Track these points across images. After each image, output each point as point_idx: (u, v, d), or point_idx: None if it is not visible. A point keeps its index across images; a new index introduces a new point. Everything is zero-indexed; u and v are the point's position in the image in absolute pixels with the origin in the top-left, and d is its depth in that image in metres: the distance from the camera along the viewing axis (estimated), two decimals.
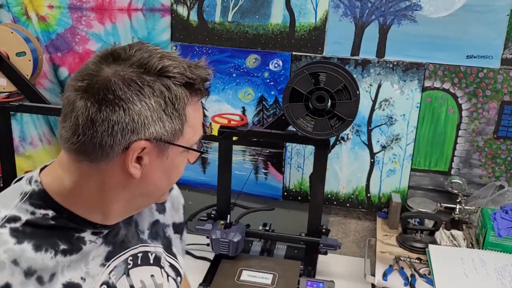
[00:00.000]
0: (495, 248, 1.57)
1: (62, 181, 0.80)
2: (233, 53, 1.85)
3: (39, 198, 0.80)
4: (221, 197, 1.72)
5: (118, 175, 0.78)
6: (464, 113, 1.73)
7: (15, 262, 0.74)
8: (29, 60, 1.71)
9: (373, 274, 1.55)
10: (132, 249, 0.91)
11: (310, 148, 1.87)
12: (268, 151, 1.93)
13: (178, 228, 1.06)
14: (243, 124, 1.68)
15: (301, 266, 1.66)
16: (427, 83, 1.73)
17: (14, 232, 0.76)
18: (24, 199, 0.79)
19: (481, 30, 1.64)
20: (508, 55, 1.64)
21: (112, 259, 0.86)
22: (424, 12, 1.66)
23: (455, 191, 1.76)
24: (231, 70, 1.86)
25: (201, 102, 0.86)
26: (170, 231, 1.03)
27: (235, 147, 1.87)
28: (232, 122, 1.65)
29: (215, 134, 1.84)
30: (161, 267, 0.95)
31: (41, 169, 0.84)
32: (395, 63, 1.73)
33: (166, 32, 1.86)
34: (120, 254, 0.88)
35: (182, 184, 2.03)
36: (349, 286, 1.66)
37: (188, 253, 1.83)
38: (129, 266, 0.89)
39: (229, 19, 1.81)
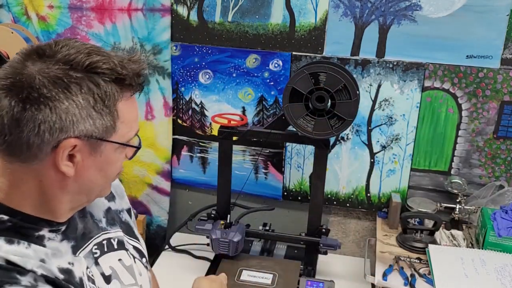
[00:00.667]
0: (495, 248, 1.57)
1: (5, 186, 0.79)
2: (233, 53, 1.85)
3: None
4: (221, 197, 1.72)
5: (52, 174, 0.78)
6: (464, 113, 1.73)
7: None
8: None
9: (373, 274, 1.55)
10: (94, 239, 0.92)
11: (310, 148, 1.87)
12: (268, 151, 1.93)
13: (130, 214, 1.08)
14: (243, 124, 1.68)
15: (301, 266, 1.66)
16: (427, 83, 1.73)
17: None
18: None
19: (481, 30, 1.64)
20: (508, 55, 1.64)
21: (78, 252, 0.87)
22: (424, 12, 1.66)
23: (455, 191, 1.76)
24: (231, 70, 1.87)
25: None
26: (126, 216, 1.05)
27: (235, 147, 1.87)
28: (232, 122, 1.65)
29: (215, 134, 1.84)
30: (126, 250, 0.97)
31: None
32: (395, 63, 1.73)
33: (166, 32, 1.86)
34: (84, 246, 0.89)
35: (182, 184, 2.05)
36: (349, 286, 1.66)
37: (188, 253, 1.83)
38: (96, 255, 0.90)
39: (229, 19, 1.81)
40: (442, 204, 1.77)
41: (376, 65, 1.74)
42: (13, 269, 0.75)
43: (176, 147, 2.01)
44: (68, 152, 0.76)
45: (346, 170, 1.88)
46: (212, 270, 1.64)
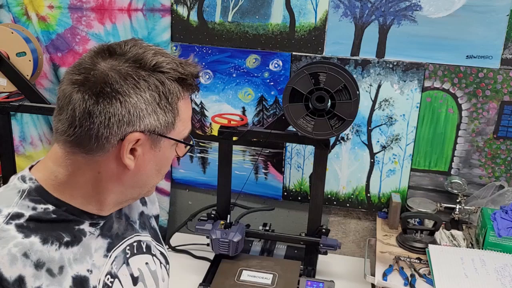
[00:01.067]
0: (495, 248, 1.57)
1: (56, 175, 0.82)
2: (233, 53, 1.85)
3: (37, 194, 0.82)
4: (221, 197, 1.72)
5: (112, 166, 0.81)
6: (464, 113, 1.73)
7: (25, 255, 0.76)
8: (29, 60, 1.71)
9: (373, 274, 1.55)
10: (128, 239, 0.95)
11: (310, 148, 1.87)
12: (268, 151, 1.93)
13: (157, 220, 1.11)
14: (243, 124, 1.68)
15: (301, 266, 1.66)
16: (427, 83, 1.73)
17: (19, 228, 0.78)
18: (23, 196, 0.81)
19: (481, 30, 1.64)
20: (508, 55, 1.64)
21: (113, 250, 0.90)
22: (424, 12, 1.66)
23: (455, 191, 1.76)
24: (231, 70, 1.87)
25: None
26: (154, 222, 1.08)
27: (235, 147, 1.87)
28: (232, 122, 1.65)
29: (215, 134, 1.84)
30: (153, 255, 0.99)
31: (30, 168, 0.86)
32: (395, 63, 1.73)
33: (166, 32, 1.86)
34: (119, 245, 0.92)
35: (182, 184, 2.05)
36: (349, 286, 1.66)
37: (188, 253, 1.83)
38: (128, 256, 0.93)
39: (229, 19, 1.81)
40: (442, 204, 1.77)
41: (376, 65, 1.74)
42: (25, 262, 0.76)
43: None
44: (132, 145, 0.79)
45: (346, 170, 1.88)
46: (212, 270, 1.64)
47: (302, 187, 1.94)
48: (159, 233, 1.08)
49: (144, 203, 1.06)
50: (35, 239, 0.78)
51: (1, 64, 1.68)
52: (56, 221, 0.81)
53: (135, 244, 0.96)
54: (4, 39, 1.69)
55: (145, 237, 1.00)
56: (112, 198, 0.86)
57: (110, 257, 0.88)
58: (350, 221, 1.97)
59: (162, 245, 1.07)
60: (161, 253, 1.04)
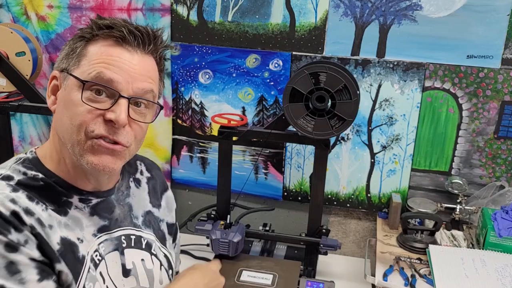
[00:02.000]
0: (495, 248, 1.56)
1: (50, 150, 0.90)
2: (233, 53, 1.84)
3: (31, 163, 0.88)
4: (221, 197, 1.71)
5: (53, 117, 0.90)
6: (464, 113, 1.73)
7: (13, 201, 0.80)
8: (29, 60, 1.71)
9: (373, 275, 1.54)
10: (123, 229, 0.96)
11: (310, 148, 1.86)
12: (268, 151, 1.93)
13: (170, 229, 1.11)
14: (243, 124, 1.68)
15: (301, 266, 1.66)
16: (428, 83, 1.72)
17: (8, 185, 0.83)
18: (18, 162, 0.88)
19: (481, 30, 1.63)
20: (509, 55, 1.64)
21: (105, 232, 0.92)
22: (425, 12, 1.66)
23: (456, 191, 1.76)
24: (231, 70, 1.86)
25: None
26: (164, 227, 1.09)
27: (235, 147, 1.86)
28: (232, 122, 1.64)
29: (215, 134, 1.84)
30: (152, 254, 1.00)
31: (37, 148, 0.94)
32: (395, 63, 1.72)
33: (165, 32, 1.86)
34: (114, 230, 0.94)
35: (182, 184, 2.05)
36: (349, 286, 1.66)
37: (188, 253, 1.83)
38: (124, 245, 0.95)
39: (229, 19, 1.81)
40: (443, 205, 1.77)
41: (377, 65, 1.74)
42: (12, 222, 0.78)
43: (176, 147, 2.01)
44: (51, 83, 0.89)
45: (346, 170, 1.88)
46: None
47: (302, 187, 1.94)
48: (167, 239, 1.08)
49: (156, 205, 1.08)
50: (21, 195, 0.82)
51: (1, 64, 1.68)
52: (43, 189, 0.86)
53: (132, 237, 0.97)
54: (3, 39, 1.69)
55: (148, 235, 1.01)
56: (68, 161, 0.88)
57: (99, 237, 0.90)
58: (350, 221, 1.97)
59: (168, 249, 1.06)
60: (165, 256, 1.04)
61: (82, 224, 0.88)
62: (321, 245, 1.62)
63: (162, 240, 1.06)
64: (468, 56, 1.67)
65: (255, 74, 1.85)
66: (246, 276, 1.57)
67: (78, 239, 0.86)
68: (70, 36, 1.92)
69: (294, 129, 1.53)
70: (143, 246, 0.98)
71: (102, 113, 0.83)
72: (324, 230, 1.65)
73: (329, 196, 1.92)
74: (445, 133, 1.76)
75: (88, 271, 0.85)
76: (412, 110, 1.76)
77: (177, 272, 1.18)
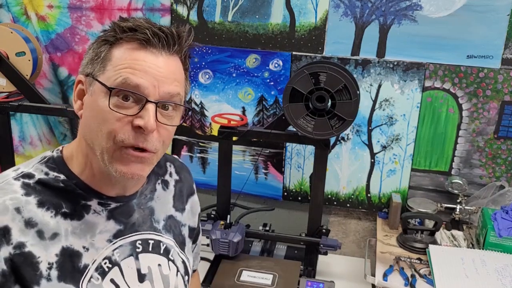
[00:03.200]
0: (495, 248, 1.56)
1: (77, 153, 0.89)
2: (233, 53, 1.84)
3: (55, 163, 0.88)
4: (221, 197, 1.71)
5: (80, 122, 0.89)
6: (464, 113, 1.73)
7: (17, 210, 0.80)
8: (29, 60, 1.71)
9: (373, 275, 1.54)
10: (141, 234, 0.94)
11: (310, 148, 1.86)
12: (268, 151, 1.93)
13: (191, 233, 1.09)
14: (243, 124, 1.68)
15: (301, 267, 1.66)
16: (428, 83, 1.72)
17: (25, 186, 0.84)
18: (42, 161, 0.89)
19: (481, 30, 1.63)
20: (509, 55, 1.64)
21: (120, 238, 0.91)
22: (425, 12, 1.66)
23: (456, 191, 1.76)
24: (231, 70, 1.86)
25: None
26: (185, 232, 1.06)
27: (235, 147, 1.86)
28: (232, 122, 1.64)
29: (215, 134, 1.84)
30: (169, 260, 0.98)
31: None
32: (395, 63, 1.72)
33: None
34: (129, 235, 0.92)
35: None
36: (349, 286, 1.66)
37: None
38: (139, 250, 0.93)
39: (229, 19, 1.81)
40: (443, 205, 1.77)
41: (377, 65, 1.74)
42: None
43: (176, 147, 2.01)
44: (77, 88, 0.87)
45: (346, 170, 1.88)
46: (212, 270, 1.63)
47: (302, 187, 1.94)
48: (186, 244, 1.06)
49: (180, 209, 1.06)
50: (32, 200, 0.82)
51: (1, 64, 1.68)
52: (62, 190, 0.86)
53: (151, 242, 0.95)
54: (3, 39, 1.69)
55: (167, 240, 0.99)
56: (95, 166, 0.87)
57: (114, 243, 0.89)
58: (351, 221, 1.97)
59: (187, 257, 1.05)
60: (183, 262, 1.02)
61: (96, 230, 0.87)
62: (321, 245, 1.62)
63: (182, 245, 1.04)
64: (468, 56, 1.67)
65: (255, 74, 1.85)
66: (246, 276, 1.57)
67: (84, 247, 0.85)
68: (70, 36, 1.92)
69: (294, 129, 1.53)
70: (161, 251, 0.97)
71: (131, 120, 0.82)
72: (324, 230, 1.65)
73: (329, 196, 1.92)
74: (445, 133, 1.76)
75: (90, 280, 0.84)
76: (412, 110, 1.76)
77: (194, 271, 1.18)
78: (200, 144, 1.98)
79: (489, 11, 1.61)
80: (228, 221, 1.68)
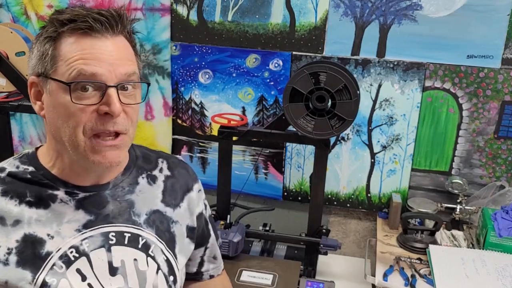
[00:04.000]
0: (495, 248, 1.56)
1: (47, 149, 0.92)
2: (233, 53, 1.84)
3: (28, 157, 0.92)
4: (221, 197, 1.71)
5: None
6: (464, 113, 1.73)
7: None
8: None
9: (373, 275, 1.54)
10: (116, 226, 0.92)
11: (310, 148, 1.86)
12: (268, 151, 1.92)
13: (191, 233, 1.04)
14: (243, 124, 1.68)
15: (301, 267, 1.65)
16: (428, 83, 1.72)
17: None
18: (17, 157, 0.94)
19: (481, 30, 1.63)
20: (509, 55, 1.64)
21: (91, 228, 0.90)
22: (425, 11, 1.66)
23: (456, 191, 1.76)
24: (231, 70, 1.86)
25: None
26: (178, 229, 1.01)
27: (235, 147, 1.86)
28: (232, 122, 1.64)
29: (215, 134, 1.84)
30: (149, 255, 0.95)
31: None
32: (395, 63, 1.72)
33: (166, 31, 1.86)
34: (101, 226, 0.91)
35: None
36: (349, 286, 1.66)
37: None
38: (112, 242, 0.91)
39: (229, 18, 1.81)
40: (443, 205, 1.77)
41: (377, 65, 1.74)
42: None
43: (176, 147, 2.01)
44: (32, 90, 0.88)
45: (346, 170, 1.88)
46: None
47: (302, 187, 1.94)
48: (176, 242, 1.00)
49: (172, 205, 1.01)
50: None
51: (0, 63, 1.68)
52: (29, 182, 0.88)
53: (127, 235, 0.93)
54: (3, 39, 1.69)
55: (148, 235, 0.95)
56: (66, 159, 0.89)
57: (83, 233, 0.88)
58: (351, 221, 1.96)
59: (174, 256, 0.99)
60: (167, 260, 0.97)
61: (63, 219, 0.88)
62: (321, 245, 1.62)
63: (169, 243, 0.98)
64: (468, 56, 1.67)
65: (255, 74, 1.85)
66: (246, 276, 1.57)
67: (48, 235, 0.86)
68: None
69: (294, 129, 1.53)
70: (139, 246, 0.94)
71: (96, 108, 0.82)
72: (324, 230, 1.65)
73: (329, 196, 1.91)
74: (445, 133, 1.76)
75: (52, 268, 0.85)
76: (412, 110, 1.76)
77: (211, 276, 1.14)
78: (200, 144, 1.98)
79: (489, 11, 1.61)
80: (228, 221, 1.68)
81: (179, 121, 1.97)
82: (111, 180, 0.95)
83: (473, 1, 1.61)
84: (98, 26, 0.82)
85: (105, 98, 0.82)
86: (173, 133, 1.99)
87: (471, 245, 1.67)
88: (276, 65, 1.82)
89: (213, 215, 1.70)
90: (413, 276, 1.50)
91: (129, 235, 0.93)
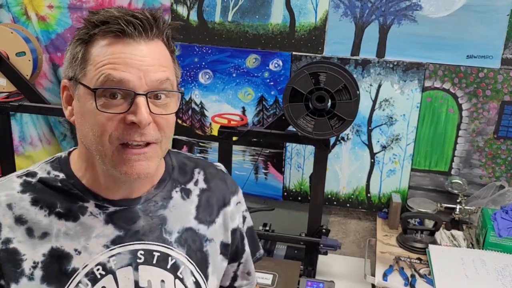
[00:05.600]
0: (495, 248, 1.56)
1: (79, 155, 0.87)
2: (233, 53, 1.84)
3: (60, 163, 0.87)
4: None
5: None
6: (464, 113, 1.73)
7: (9, 206, 0.81)
8: (29, 60, 1.71)
9: (373, 274, 1.54)
10: (146, 244, 0.86)
11: (310, 148, 1.86)
12: (268, 151, 1.93)
13: (225, 250, 0.97)
14: (243, 124, 1.68)
15: (301, 266, 1.66)
16: (427, 83, 1.72)
17: (25, 184, 0.83)
18: (49, 161, 0.88)
19: (481, 30, 1.63)
20: (508, 55, 1.64)
21: (119, 245, 0.84)
22: (424, 12, 1.66)
23: (455, 191, 1.76)
24: (231, 70, 1.86)
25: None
26: (212, 247, 0.94)
27: (235, 147, 1.86)
28: (232, 122, 1.64)
29: (215, 134, 1.84)
30: (177, 277, 0.88)
31: None
32: (395, 63, 1.73)
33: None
34: (130, 243, 0.85)
35: None
36: (349, 286, 1.66)
37: None
38: (140, 261, 0.85)
39: (229, 19, 1.81)
40: (443, 205, 1.77)
41: (376, 65, 1.74)
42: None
43: (176, 147, 2.01)
44: (64, 93, 0.84)
45: (346, 170, 1.88)
46: None
47: (302, 187, 1.94)
48: (209, 262, 0.93)
49: (205, 222, 0.93)
50: (26, 197, 0.82)
51: (1, 64, 1.68)
52: (59, 190, 0.83)
53: (157, 254, 0.86)
54: (3, 39, 1.69)
55: (178, 255, 0.89)
56: (96, 170, 0.83)
57: (111, 249, 0.83)
58: (350, 221, 1.97)
59: (205, 277, 0.92)
60: (196, 282, 0.90)
61: (91, 233, 0.82)
62: (321, 245, 1.62)
63: (201, 263, 0.91)
64: (468, 56, 1.67)
65: (255, 74, 1.85)
66: None
67: (76, 250, 0.81)
68: (70, 36, 1.92)
69: (294, 129, 1.53)
70: (168, 266, 0.87)
71: (123, 117, 0.76)
72: (324, 230, 1.65)
73: (329, 196, 1.92)
74: (445, 133, 1.76)
75: (77, 285, 0.80)
76: (412, 110, 1.76)
77: None
78: (200, 144, 1.98)
79: (489, 11, 1.61)
80: None
81: (179, 121, 1.97)
82: (143, 194, 0.88)
83: (473, 1, 1.61)
84: (130, 29, 0.77)
85: (133, 107, 0.76)
86: (173, 133, 1.99)
87: (470, 245, 1.67)
88: (276, 65, 1.82)
89: None
90: (412, 276, 1.51)
91: (158, 254, 0.87)
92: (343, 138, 1.85)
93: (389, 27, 1.70)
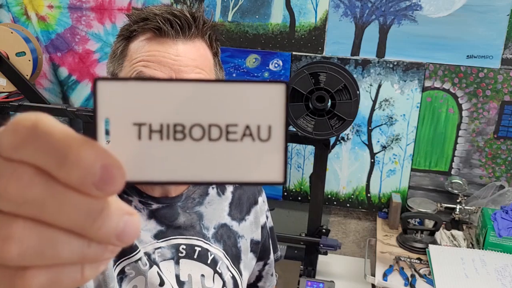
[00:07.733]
0: (495, 248, 1.56)
1: None
2: (233, 53, 1.84)
3: None
4: None
5: None
6: (464, 113, 1.73)
7: None
8: (29, 60, 1.71)
9: (373, 274, 1.54)
10: (187, 238, 0.87)
11: (310, 148, 1.86)
12: None
13: (255, 247, 0.98)
14: None
15: (301, 266, 1.66)
16: (427, 83, 1.72)
17: None
18: None
19: (481, 30, 1.63)
20: (509, 55, 1.64)
21: (162, 239, 0.84)
22: (424, 12, 1.66)
23: (455, 191, 1.76)
24: (231, 70, 1.86)
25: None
26: (243, 244, 0.96)
27: None
28: None
29: None
30: (216, 272, 0.89)
31: None
32: (395, 63, 1.73)
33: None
34: (172, 238, 0.85)
35: None
36: (349, 286, 1.66)
37: None
38: (181, 255, 0.86)
39: (229, 19, 1.81)
40: (443, 204, 1.77)
41: (376, 65, 1.74)
42: None
43: None
44: None
45: (346, 170, 1.88)
46: None
47: (302, 187, 1.94)
48: (242, 257, 0.94)
49: (237, 219, 0.95)
50: None
51: (1, 64, 1.68)
52: None
53: (197, 249, 0.87)
54: (3, 39, 1.69)
55: (216, 250, 0.90)
56: None
57: (157, 242, 0.84)
58: (350, 221, 1.97)
59: (240, 273, 0.93)
60: (232, 277, 0.91)
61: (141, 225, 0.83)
62: (321, 245, 1.62)
63: (234, 259, 0.92)
64: (468, 56, 1.67)
65: (255, 74, 1.85)
66: None
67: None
68: (70, 36, 1.92)
69: (294, 129, 1.53)
70: (208, 262, 0.88)
71: None
72: (324, 230, 1.65)
73: (329, 196, 1.92)
74: (445, 133, 1.76)
75: (137, 261, 0.79)
76: (412, 110, 1.76)
77: None
78: None
79: (489, 11, 1.61)
80: None
81: None
82: (184, 191, 0.89)
83: (473, 1, 1.61)
84: (167, 27, 0.76)
85: None
86: None
87: (470, 245, 1.67)
88: (276, 65, 1.82)
89: None
90: (412, 276, 1.51)
91: (200, 249, 0.88)
92: (343, 138, 1.85)
93: (389, 27, 1.70)
